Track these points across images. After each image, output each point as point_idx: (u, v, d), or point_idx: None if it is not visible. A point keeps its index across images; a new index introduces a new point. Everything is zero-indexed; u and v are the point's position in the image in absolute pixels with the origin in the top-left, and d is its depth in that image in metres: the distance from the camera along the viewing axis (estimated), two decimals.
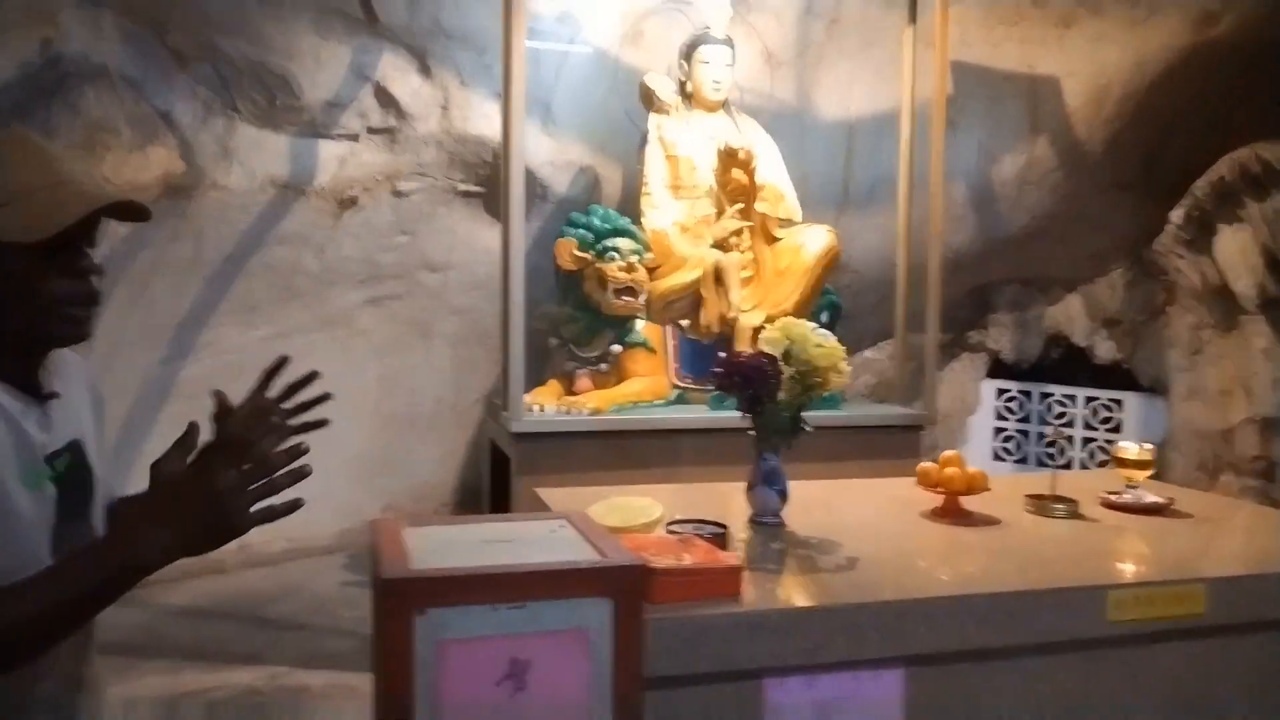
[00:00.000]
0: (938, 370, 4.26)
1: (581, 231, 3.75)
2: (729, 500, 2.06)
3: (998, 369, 5.42)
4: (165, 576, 4.14)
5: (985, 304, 5.37)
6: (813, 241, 3.97)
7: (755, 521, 1.97)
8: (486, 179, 4.27)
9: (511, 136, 3.36)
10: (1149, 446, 2.22)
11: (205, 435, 1.21)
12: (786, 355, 1.99)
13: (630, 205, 4.01)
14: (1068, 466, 4.85)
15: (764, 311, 3.84)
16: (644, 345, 3.82)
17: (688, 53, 4.03)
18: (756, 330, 3.56)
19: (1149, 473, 2.22)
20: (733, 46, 4.06)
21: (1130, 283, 5.10)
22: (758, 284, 3.99)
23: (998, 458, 5.34)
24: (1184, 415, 4.76)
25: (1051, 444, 5.02)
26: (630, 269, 3.70)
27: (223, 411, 1.26)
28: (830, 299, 4.10)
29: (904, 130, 4.09)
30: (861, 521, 2.10)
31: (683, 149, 3.93)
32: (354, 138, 4.09)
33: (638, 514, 1.84)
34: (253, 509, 1.05)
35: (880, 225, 4.63)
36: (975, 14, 4.42)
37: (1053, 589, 1.62)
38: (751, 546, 1.84)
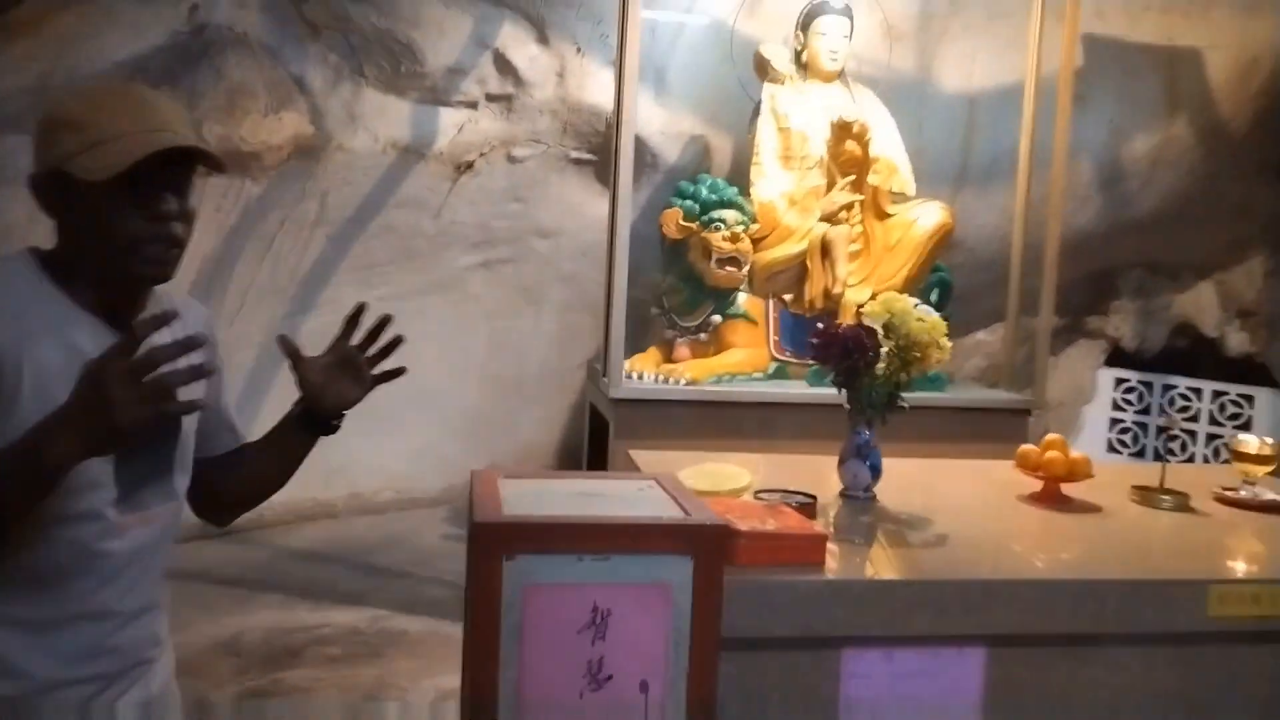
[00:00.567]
0: (1052, 355, 4.11)
1: (688, 202, 3.76)
2: (821, 473, 2.06)
3: (1117, 357, 5.19)
4: (283, 519, 4.41)
5: (1108, 288, 5.14)
6: (926, 217, 3.88)
7: (845, 495, 1.96)
8: (599, 147, 4.32)
9: (624, 105, 3.39)
10: (1271, 441, 2.11)
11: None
12: (886, 329, 1.97)
13: (740, 175, 3.99)
14: (1190, 461, 4.62)
15: (871, 287, 3.78)
16: (745, 317, 3.82)
17: (805, 23, 3.97)
18: (862, 306, 3.51)
19: (1269, 469, 2.11)
20: (851, 17, 3.97)
21: (1270, 272, 4.79)
22: (866, 259, 3.92)
23: (1113, 449, 5.12)
24: None
25: (1172, 437, 4.78)
26: (735, 239, 3.69)
27: (297, 360, 1.36)
28: (941, 276, 4.00)
29: (1028, 105, 3.94)
30: (955, 501, 2.07)
31: (796, 120, 3.88)
32: (473, 105, 4.20)
33: (726, 480, 1.87)
34: (140, 405, 0.98)
35: (998, 203, 4.47)
36: None
37: (1151, 580, 1.57)
38: (839, 518, 1.84)
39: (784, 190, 3.88)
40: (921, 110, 4.37)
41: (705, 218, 3.72)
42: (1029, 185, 3.97)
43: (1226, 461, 2.22)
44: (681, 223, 3.73)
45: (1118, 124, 4.49)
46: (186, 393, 1.01)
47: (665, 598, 1.37)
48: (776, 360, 3.84)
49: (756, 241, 3.82)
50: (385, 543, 4.09)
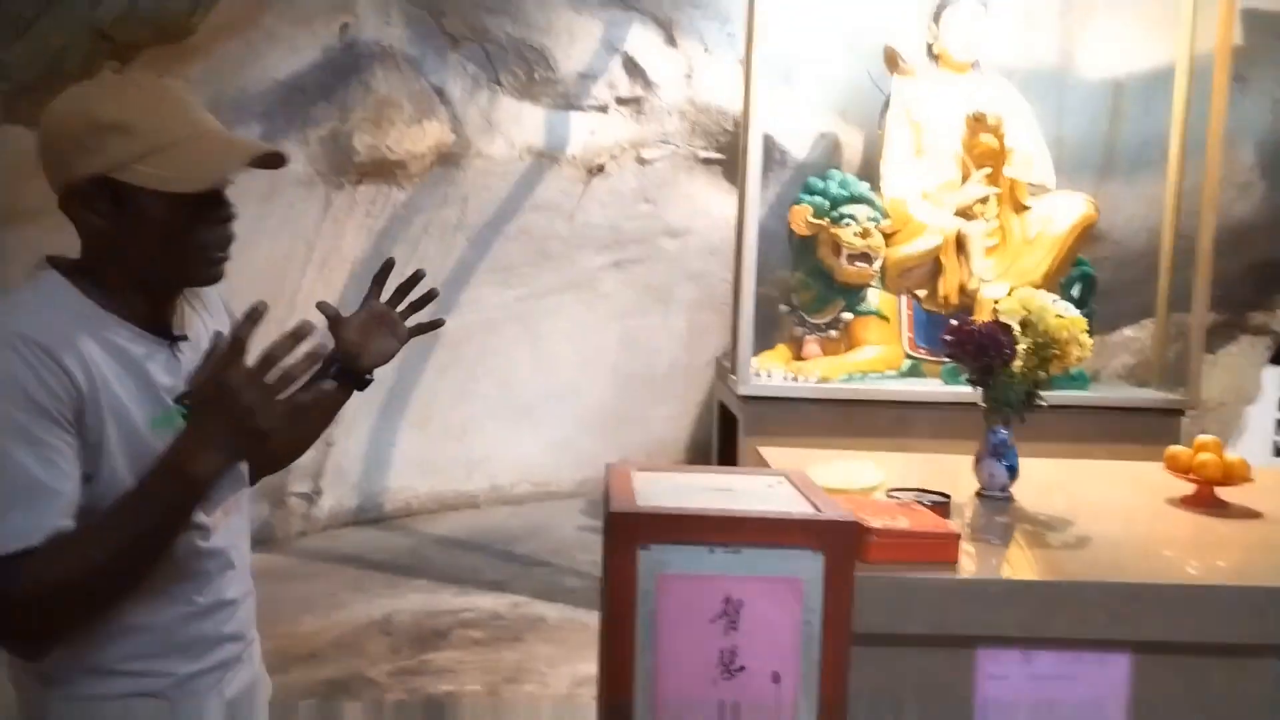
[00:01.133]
0: (1209, 353, 3.89)
1: (818, 198, 3.74)
2: (956, 473, 2.03)
3: None
4: (427, 508, 4.63)
5: (1273, 282, 4.80)
6: (1066, 210, 3.74)
7: (981, 495, 1.94)
8: (726, 146, 4.35)
9: (752, 103, 3.41)
10: None
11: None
12: (1023, 325, 1.93)
13: (871, 170, 3.95)
14: None
15: (1008, 282, 3.67)
16: (877, 313, 3.77)
17: (937, 14, 3.89)
18: (998, 303, 3.42)
19: None
20: (986, 5, 3.87)
21: None
22: (1003, 253, 3.81)
23: None
24: None
25: None
26: (865, 235, 3.66)
27: (336, 321, 1.39)
28: (1084, 271, 3.85)
29: (1180, 88, 3.74)
30: (1098, 503, 2.01)
31: (927, 113, 3.81)
32: (603, 109, 4.30)
33: (858, 477, 1.87)
34: (277, 407, 1.03)
35: (1147, 193, 4.26)
36: None
37: None
38: (974, 517, 1.82)
39: (916, 185, 3.81)
40: (1062, 98, 4.20)
41: (835, 214, 3.70)
42: (1181, 173, 3.77)
43: None
44: (811, 219, 3.72)
45: None
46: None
47: (796, 592, 1.39)
48: (910, 357, 3.78)
49: (888, 237, 3.77)
50: (524, 532, 4.24)
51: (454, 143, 4.10)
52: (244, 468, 1.25)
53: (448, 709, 2.74)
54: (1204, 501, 1.94)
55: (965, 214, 3.76)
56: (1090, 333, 2.03)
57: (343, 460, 4.21)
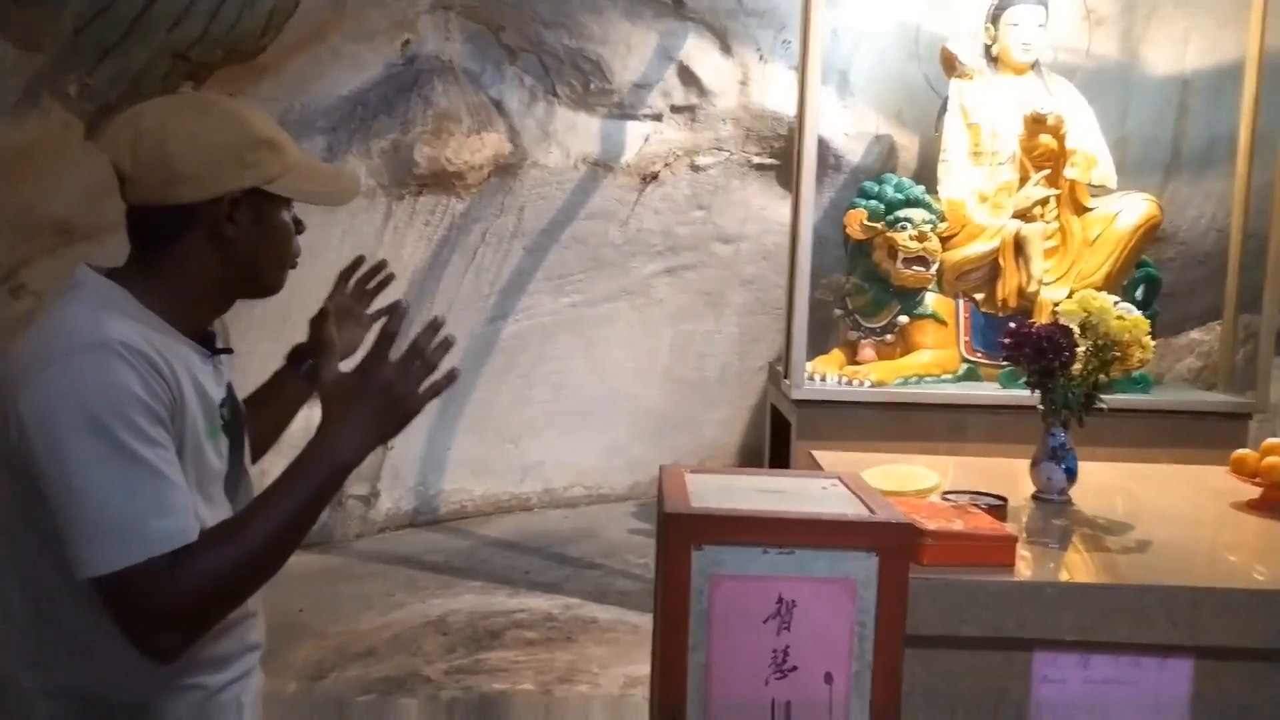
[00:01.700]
0: (1279, 355, 3.78)
1: (873, 202, 3.73)
2: (1013, 477, 2.02)
3: None
4: (482, 510, 4.69)
5: None
6: (1129, 211, 3.67)
7: (1039, 498, 1.92)
8: (780, 151, 4.36)
9: (806, 107, 3.42)
10: None
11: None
12: (1083, 327, 1.91)
13: (927, 173, 3.92)
14: None
15: (1069, 285, 3.61)
16: (934, 317, 3.74)
17: (995, 15, 3.85)
18: (1058, 305, 3.37)
19: None
20: (1046, 5, 3.82)
21: None
22: (1063, 256, 3.75)
23: None
24: None
25: None
26: (922, 238, 3.63)
27: (318, 319, 1.39)
28: (1148, 272, 3.77)
29: (1249, 84, 3.64)
30: (1160, 507, 1.98)
31: (985, 115, 3.77)
32: (658, 117, 4.34)
33: (912, 480, 1.87)
34: (420, 391, 1.09)
35: (1215, 193, 4.16)
36: None
37: None
38: (1031, 520, 1.81)
39: (973, 187, 3.77)
40: (1126, 97, 4.12)
41: (891, 217, 3.68)
42: (1250, 172, 3.68)
43: None
44: (866, 223, 3.71)
45: None
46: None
47: (850, 593, 1.40)
48: (967, 361, 3.74)
49: (945, 240, 3.73)
50: (576, 535, 4.29)
51: (511, 153, 4.17)
52: (252, 472, 1.27)
53: (501, 707, 2.78)
54: (1271, 506, 1.90)
55: (1024, 216, 3.71)
56: (1153, 335, 2.00)
57: (399, 464, 4.30)
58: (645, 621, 3.03)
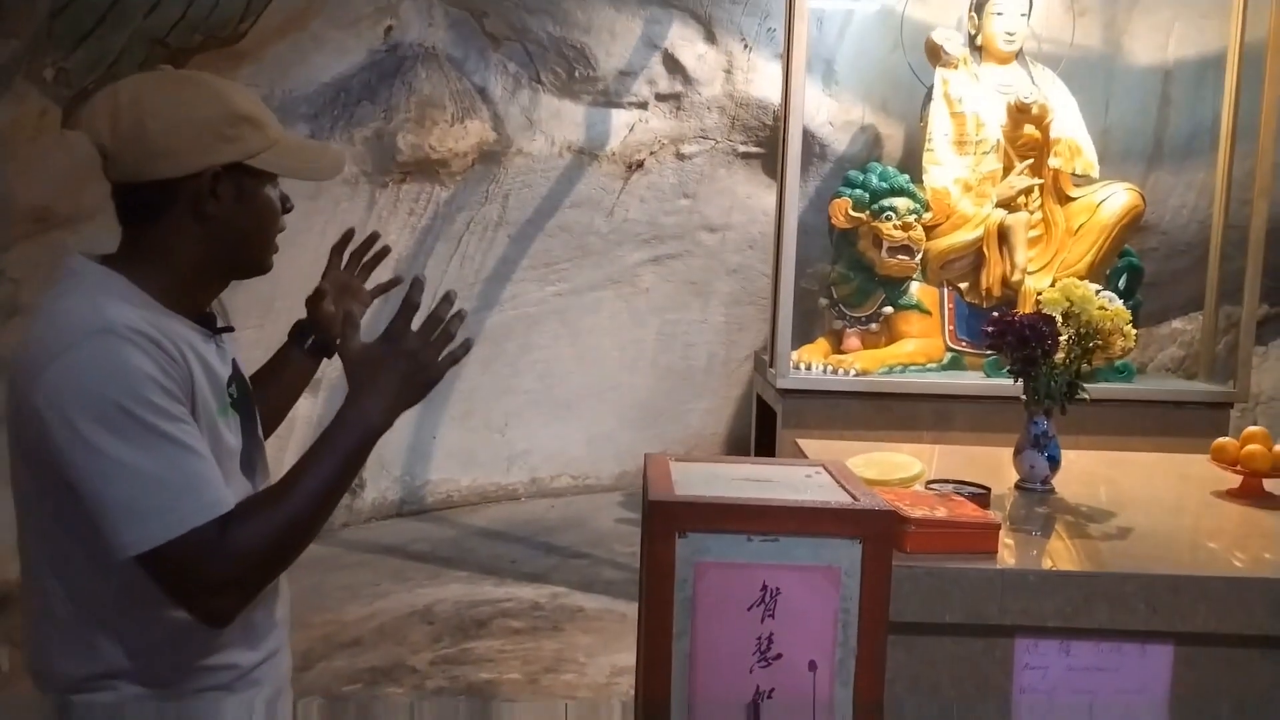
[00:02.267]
0: (1262, 345, 3.82)
1: (858, 191, 3.73)
2: (996, 465, 2.03)
3: None
4: (468, 500, 4.68)
5: None
6: (1112, 200, 3.69)
7: (1021, 487, 1.93)
8: (766, 140, 4.35)
9: (792, 97, 3.41)
10: None
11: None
12: (1065, 316, 1.92)
13: (912, 163, 3.92)
14: None
15: (1052, 274, 3.63)
16: (918, 307, 3.75)
17: (979, 4, 3.85)
18: (1041, 294, 3.39)
19: None
20: None
21: None
22: (1047, 245, 3.77)
23: None
24: None
25: None
26: (906, 228, 3.64)
27: (314, 296, 1.42)
28: (1130, 262, 3.79)
29: (1230, 74, 3.66)
30: (1141, 495, 1.99)
31: (970, 104, 3.77)
32: (643, 105, 4.32)
33: (896, 469, 1.87)
34: (440, 359, 1.13)
35: (1197, 182, 4.18)
36: None
37: None
38: (1014, 509, 1.82)
39: (958, 176, 3.78)
40: (1109, 87, 4.14)
41: (875, 206, 3.69)
42: (1230, 162, 3.70)
43: None
44: (851, 212, 3.71)
45: None
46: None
47: (833, 580, 1.41)
48: (952, 350, 3.76)
49: (930, 229, 3.74)
50: (563, 525, 4.29)
51: (495, 141, 4.15)
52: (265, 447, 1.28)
53: (488, 696, 2.78)
54: (1251, 493, 1.91)
55: (1008, 205, 3.73)
56: (1136, 324, 2.02)
57: (385, 453, 4.29)
58: (632, 610, 3.04)
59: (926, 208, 3.73)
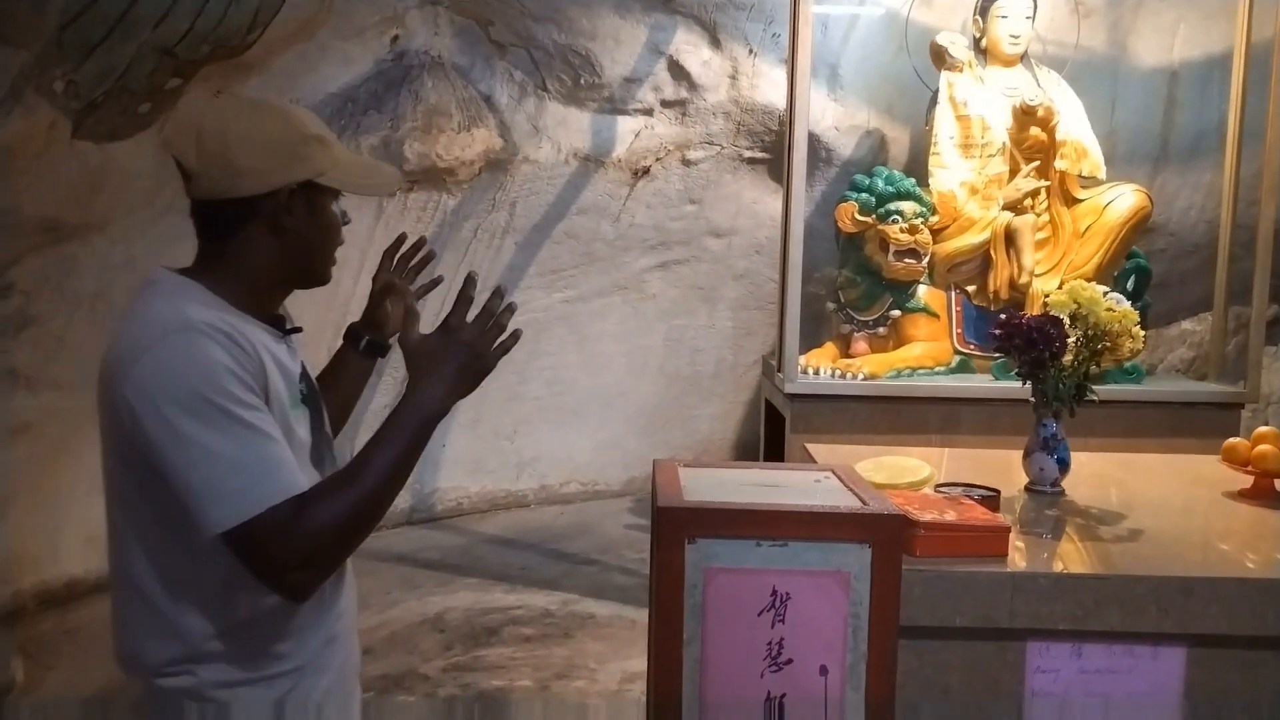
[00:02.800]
0: (1272, 345, 3.81)
1: (864, 195, 3.73)
2: (1005, 468, 2.03)
3: None
4: (478, 507, 4.68)
5: None
6: (1119, 201, 3.68)
7: (1031, 489, 1.93)
8: (771, 145, 4.36)
9: (797, 102, 3.42)
10: None
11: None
12: (1073, 318, 1.92)
13: (918, 166, 3.92)
14: None
15: (1059, 276, 3.62)
16: (925, 310, 3.75)
17: (984, 7, 3.85)
18: (1048, 296, 3.38)
19: None
20: None
21: None
22: (1054, 247, 3.77)
23: None
24: None
25: None
26: (913, 231, 3.63)
27: (376, 297, 1.49)
28: (1138, 263, 3.78)
29: (1237, 75, 3.66)
30: (1153, 496, 1.98)
31: (975, 107, 3.77)
32: (648, 111, 4.33)
33: (905, 473, 1.87)
34: (493, 349, 1.20)
35: (1204, 183, 4.17)
36: None
37: None
38: (1024, 511, 1.81)
39: (964, 179, 3.78)
40: (1115, 89, 4.13)
41: (882, 210, 3.68)
42: (1238, 162, 3.69)
43: None
44: (857, 216, 3.71)
45: None
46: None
47: (843, 585, 1.41)
48: (960, 353, 3.75)
49: (936, 232, 3.74)
50: (573, 531, 4.29)
51: (502, 148, 4.16)
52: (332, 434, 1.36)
53: (499, 704, 2.78)
54: (1262, 494, 1.90)
55: (1014, 207, 3.72)
56: (1144, 326, 2.01)
57: None
58: (643, 616, 3.03)
59: (933, 211, 3.73)
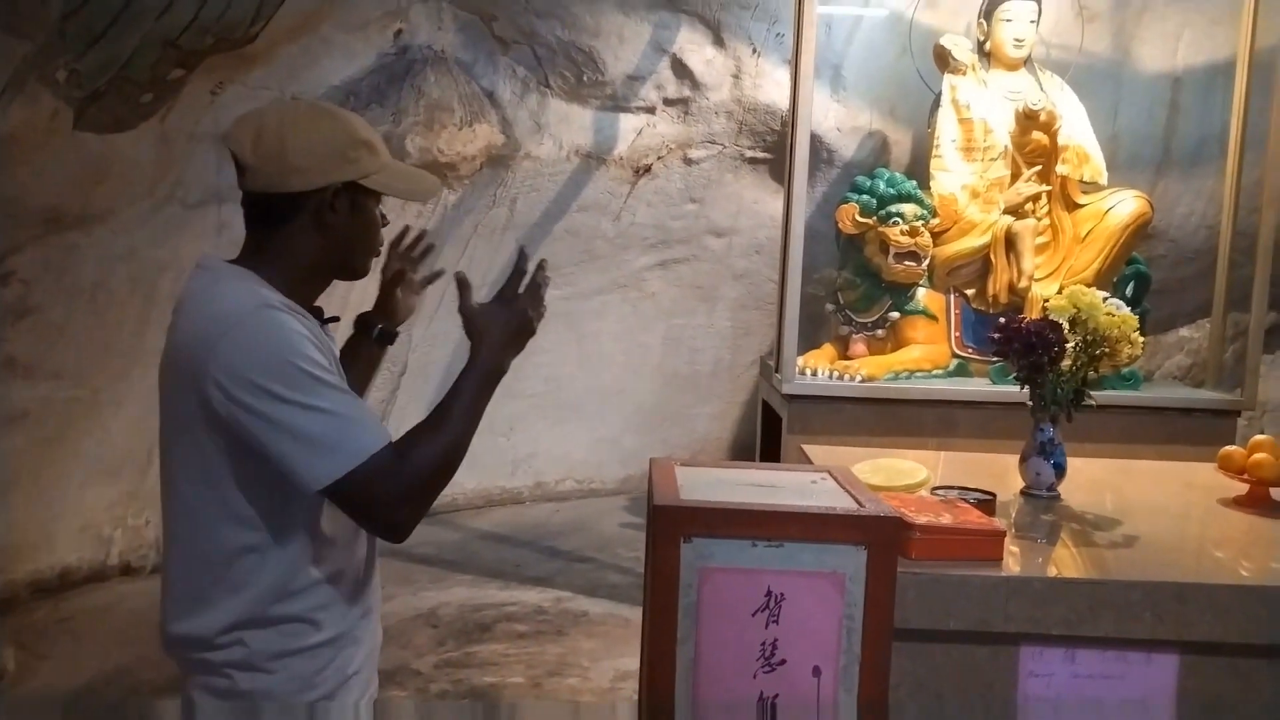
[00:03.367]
0: (1270, 354, 3.81)
1: (865, 197, 3.73)
2: (1002, 472, 2.03)
3: None
4: (473, 503, 4.67)
5: None
6: (1120, 207, 3.68)
7: (1027, 494, 1.93)
8: (774, 146, 4.35)
9: (800, 102, 3.42)
10: None
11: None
12: (1072, 323, 1.92)
13: (920, 169, 3.92)
14: None
15: (1059, 281, 3.63)
16: (924, 313, 3.75)
17: (988, 10, 3.85)
18: (1048, 301, 3.38)
19: None
20: (1039, 1, 3.82)
21: None
22: (1054, 252, 3.77)
23: None
24: None
25: None
26: (913, 234, 3.63)
27: (388, 285, 1.58)
28: (1138, 269, 3.78)
29: (1240, 82, 3.66)
30: (1148, 503, 1.99)
31: (978, 110, 3.77)
32: (651, 109, 4.33)
33: (901, 475, 1.87)
34: (538, 312, 1.36)
35: (1205, 190, 4.17)
36: None
37: None
38: (1020, 516, 1.81)
39: (965, 182, 3.78)
40: (1118, 94, 4.13)
41: (883, 212, 3.68)
42: (1240, 169, 3.69)
43: None
44: (858, 218, 3.71)
45: None
46: None
47: (838, 586, 1.41)
48: (958, 357, 3.75)
49: (937, 235, 3.74)
50: (568, 529, 4.29)
51: (503, 144, 4.16)
52: None
53: (491, 700, 2.78)
54: (1258, 502, 1.91)
55: (1015, 211, 3.72)
56: (1143, 332, 2.01)
57: None
58: (636, 615, 3.04)
59: (934, 214, 3.73)
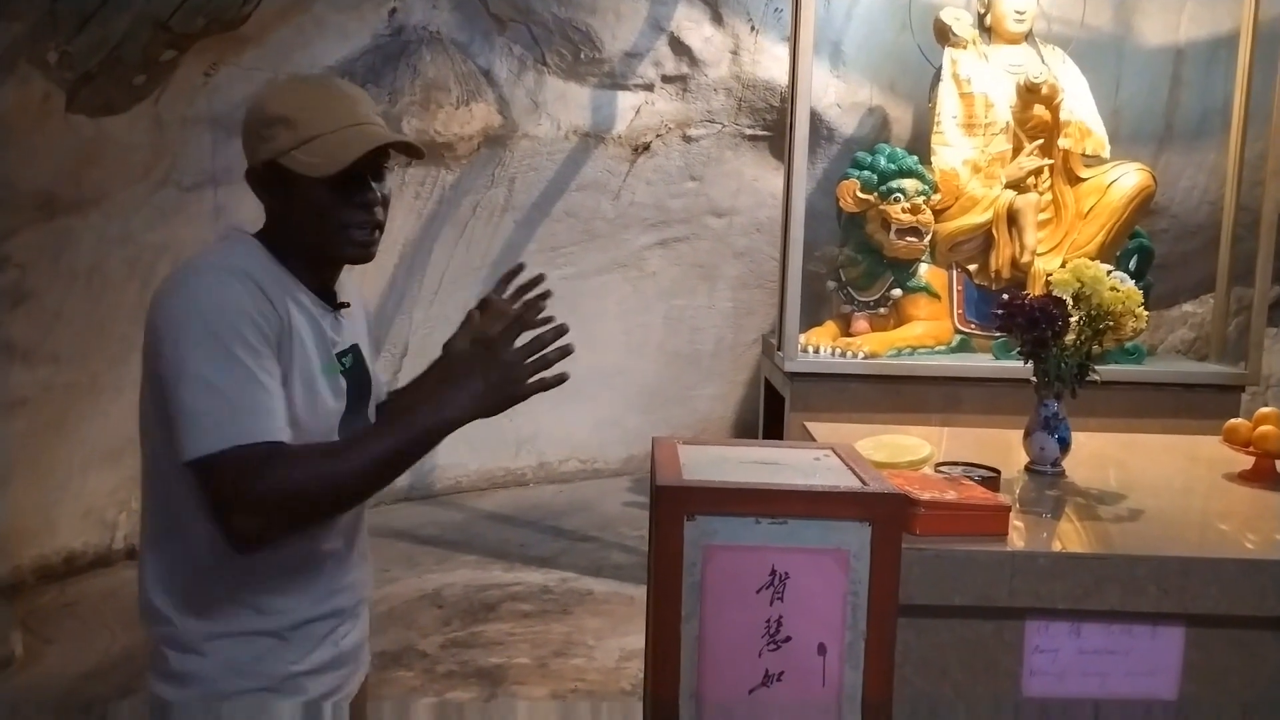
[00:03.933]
0: (1274, 327, 3.80)
1: (866, 173, 3.71)
2: (1006, 448, 2.02)
3: None
4: (477, 485, 4.68)
5: None
6: (1123, 181, 3.66)
7: (1031, 469, 1.92)
8: (773, 123, 4.32)
9: (799, 78, 3.39)
10: None
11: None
12: (1076, 298, 1.91)
13: (921, 144, 3.89)
14: None
15: (1062, 256, 3.61)
16: (926, 289, 3.73)
17: None
18: (1051, 275, 3.37)
19: None
20: None
21: None
22: (1057, 226, 3.75)
23: None
24: None
25: None
26: (915, 210, 3.61)
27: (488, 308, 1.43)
28: (1141, 243, 3.77)
29: (1243, 54, 3.62)
30: (1153, 477, 1.98)
31: (979, 84, 3.74)
32: (649, 87, 4.30)
33: (905, 452, 1.86)
34: (529, 380, 1.18)
35: (1208, 164, 4.15)
36: None
37: None
38: (1024, 491, 1.81)
39: (967, 157, 3.75)
40: (1120, 67, 4.10)
41: (884, 188, 3.66)
42: (1243, 143, 3.67)
43: None
44: (859, 194, 3.69)
45: None
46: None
47: (842, 563, 1.40)
48: (960, 333, 3.74)
49: (938, 211, 3.72)
50: (571, 509, 4.30)
51: (501, 124, 4.13)
52: (372, 417, 1.36)
53: (497, 680, 2.79)
54: (1263, 475, 1.90)
55: (1017, 186, 3.70)
56: (1147, 306, 2.00)
57: None
58: (641, 594, 3.04)
59: (935, 189, 3.71)
